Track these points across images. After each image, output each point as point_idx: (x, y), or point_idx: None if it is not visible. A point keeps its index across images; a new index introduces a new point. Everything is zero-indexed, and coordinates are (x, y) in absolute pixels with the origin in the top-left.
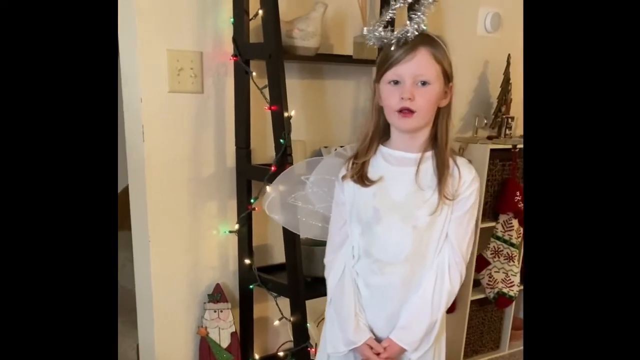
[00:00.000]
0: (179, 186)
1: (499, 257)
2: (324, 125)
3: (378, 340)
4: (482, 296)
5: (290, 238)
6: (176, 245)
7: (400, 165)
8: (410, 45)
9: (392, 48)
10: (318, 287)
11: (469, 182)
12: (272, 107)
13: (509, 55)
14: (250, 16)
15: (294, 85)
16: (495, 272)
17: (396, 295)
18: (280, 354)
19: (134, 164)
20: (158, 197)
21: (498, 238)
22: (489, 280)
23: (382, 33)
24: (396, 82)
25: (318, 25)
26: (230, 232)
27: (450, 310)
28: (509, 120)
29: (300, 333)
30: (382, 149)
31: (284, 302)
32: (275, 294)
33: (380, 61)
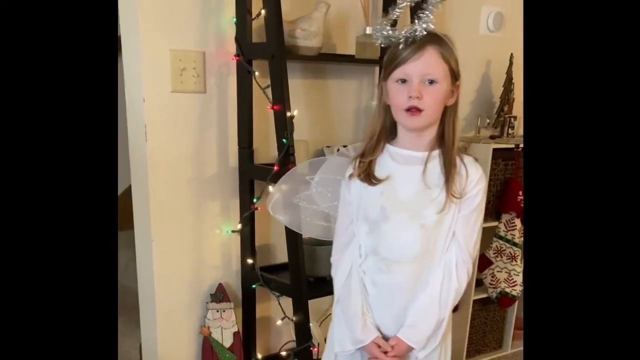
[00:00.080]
0: (181, 186)
1: (501, 257)
2: (326, 125)
3: (385, 338)
4: (484, 296)
5: (293, 238)
6: (179, 244)
7: (407, 164)
8: (418, 44)
9: (400, 47)
10: (320, 286)
11: (476, 180)
12: (275, 107)
13: (512, 54)
14: (253, 16)
15: (297, 85)
16: (497, 271)
17: (403, 294)
18: (283, 353)
19: (137, 163)
20: (161, 196)
21: (501, 237)
22: (492, 280)
23: (390, 32)
24: (404, 81)
25: (320, 25)
26: (233, 231)
27: (454, 309)
28: (512, 119)
29: (303, 333)
30: (389, 147)
31: (287, 302)
32: (278, 294)
33: (387, 60)
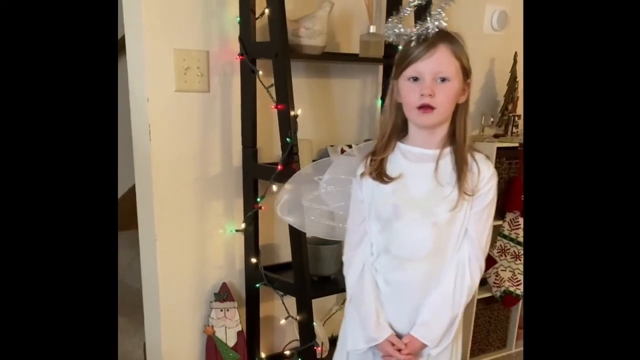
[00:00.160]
0: (185, 185)
1: (505, 256)
2: (330, 124)
3: (398, 336)
4: (488, 295)
5: (297, 237)
6: (183, 244)
7: (419, 161)
8: (430, 42)
9: (412, 45)
10: (324, 286)
11: (487, 177)
12: (279, 106)
13: (516, 53)
14: (257, 15)
15: (300, 84)
16: (502, 270)
17: (416, 292)
18: (287, 352)
19: (141, 163)
20: (164, 196)
21: (505, 236)
22: (496, 279)
23: (402, 30)
24: (416, 79)
25: (324, 24)
26: (237, 231)
27: None
28: (516, 118)
29: (307, 332)
30: (401, 145)
31: (290, 301)
32: (282, 293)
33: (399, 58)
